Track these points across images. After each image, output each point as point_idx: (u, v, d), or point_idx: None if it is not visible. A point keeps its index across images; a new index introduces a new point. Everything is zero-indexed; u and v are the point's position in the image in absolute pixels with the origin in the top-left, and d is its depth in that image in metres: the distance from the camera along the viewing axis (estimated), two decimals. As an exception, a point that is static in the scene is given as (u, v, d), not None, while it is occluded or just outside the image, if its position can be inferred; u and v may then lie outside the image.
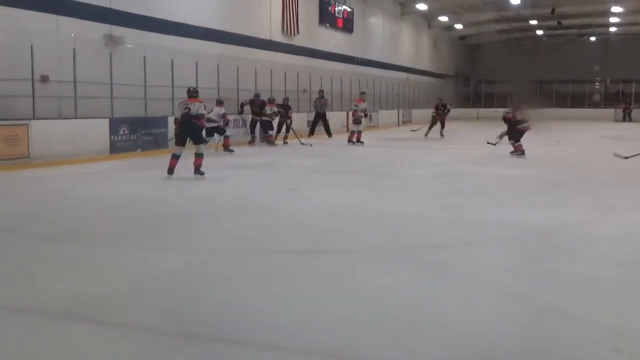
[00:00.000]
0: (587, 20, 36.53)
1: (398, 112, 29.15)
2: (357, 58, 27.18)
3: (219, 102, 14.25)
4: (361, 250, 5.33)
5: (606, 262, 4.90)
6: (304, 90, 21.45)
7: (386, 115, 27.46)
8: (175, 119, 10.15)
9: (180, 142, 9.64)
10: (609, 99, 38.53)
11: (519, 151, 13.56)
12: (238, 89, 17.34)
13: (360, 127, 17.06)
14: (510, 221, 6.49)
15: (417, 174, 10.80)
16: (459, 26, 36.49)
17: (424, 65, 36.26)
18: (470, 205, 7.59)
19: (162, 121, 13.88)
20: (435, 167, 11.74)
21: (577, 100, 39.29)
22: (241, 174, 10.68)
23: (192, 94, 9.73)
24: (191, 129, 9.52)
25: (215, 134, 14.19)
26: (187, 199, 7.99)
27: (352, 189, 8.97)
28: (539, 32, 40.82)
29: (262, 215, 6.93)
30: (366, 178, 10.20)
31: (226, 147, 14.38)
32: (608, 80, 41.61)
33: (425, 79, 35.80)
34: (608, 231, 6.07)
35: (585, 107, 38.22)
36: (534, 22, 36.70)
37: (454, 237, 5.83)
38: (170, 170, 9.55)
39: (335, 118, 21.81)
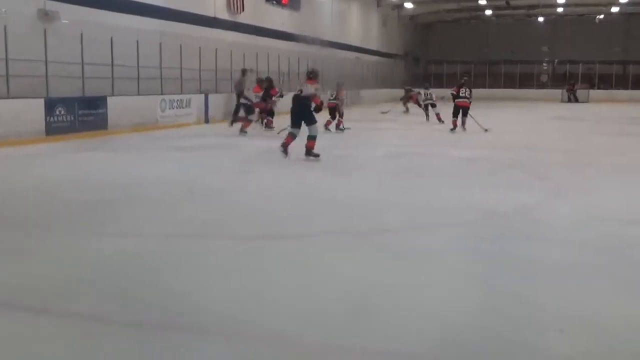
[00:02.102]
0: (535, 1, 37.33)
1: (346, 93, 29.18)
2: (306, 37, 27.08)
3: (261, 82, 14.52)
4: (316, 234, 5.35)
5: (558, 245, 5.04)
6: (250, 70, 21.26)
7: (335, 96, 27.51)
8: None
9: (295, 125, 9.83)
10: (557, 80, 39.63)
11: (454, 126, 14.66)
12: (181, 68, 17.08)
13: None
14: (465, 203, 6.62)
15: (371, 155, 10.90)
16: (408, 5, 36.69)
17: (373, 44, 36.41)
18: (425, 188, 7.71)
19: (101, 101, 13.55)
20: (388, 148, 11.86)
21: (526, 81, 40.23)
22: (190, 156, 10.57)
23: (310, 75, 10.07)
24: (302, 111, 9.70)
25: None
26: (136, 182, 7.85)
27: (306, 171, 9.00)
28: (488, 13, 41.50)
29: (213, 198, 6.89)
30: (323, 160, 10.17)
31: (243, 129, 14.27)
32: (556, 61, 42.75)
33: (375, 58, 35.97)
34: (560, 213, 6.23)
35: (533, 88, 39.19)
36: (483, 2, 37.25)
37: (410, 220, 5.92)
38: (284, 146, 9.69)
39: (286, 99, 21.67)
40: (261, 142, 12.68)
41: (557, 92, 36.18)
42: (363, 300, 3.70)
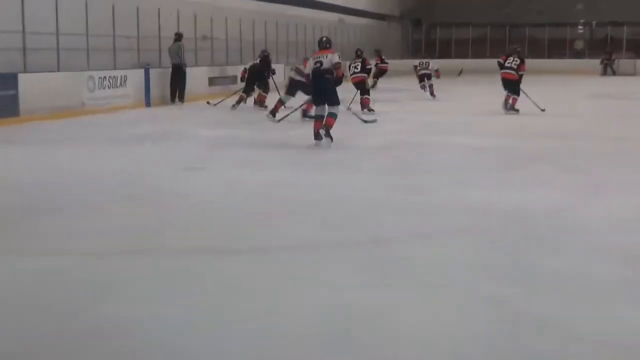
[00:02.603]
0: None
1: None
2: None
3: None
4: (287, 246, 5.39)
5: (596, 256, 5.11)
6: (204, 37, 21.25)
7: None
8: (305, 75, 11.39)
9: (319, 103, 10.56)
10: (596, 47, 39.62)
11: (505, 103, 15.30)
12: (114, 36, 16.98)
13: None
14: (477, 206, 6.69)
15: (358, 145, 10.95)
16: (406, -48, 36.92)
17: (361, 3, 36.46)
18: (427, 186, 7.76)
19: (9, 80, 13.42)
20: (381, 136, 11.90)
21: (556, 48, 40.37)
22: (127, 149, 10.59)
23: (325, 44, 10.67)
24: (324, 87, 10.42)
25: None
26: (57, 184, 7.82)
27: (273, 167, 9.01)
28: (509, -39, 41.64)
29: (156, 203, 6.90)
30: (291, 152, 10.30)
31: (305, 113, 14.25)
32: (594, 23, 42.95)
33: (363, 21, 36.00)
34: (598, 217, 6.33)
35: (566, 58, 39.30)
36: (501, -53, 37.46)
37: (407, 227, 5.98)
38: (317, 135, 10.37)
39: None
40: (214, 131, 12.69)
41: (596, 63, 36.35)
42: (344, 333, 3.74)
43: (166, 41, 18.18)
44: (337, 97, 10.62)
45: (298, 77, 14.20)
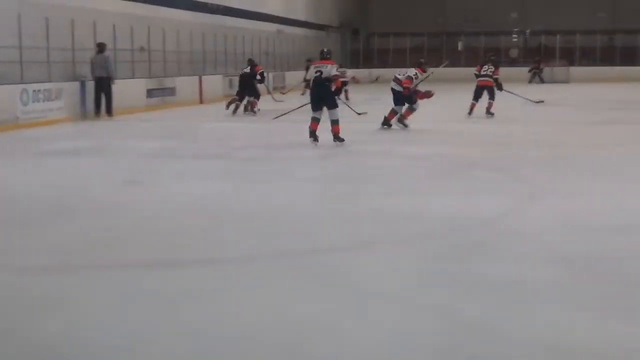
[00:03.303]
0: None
1: (268, 75, 29.20)
2: (212, 5, 26.90)
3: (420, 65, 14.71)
4: (228, 258, 5.34)
5: (538, 262, 5.16)
6: (141, 49, 21.03)
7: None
8: (305, 80, 13.20)
9: (316, 108, 11.75)
10: (530, 55, 40.36)
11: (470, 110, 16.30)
12: (48, 48, 16.68)
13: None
14: (416, 213, 6.71)
15: (296, 155, 10.94)
16: (343, -37, 37.12)
17: (300, 14, 36.55)
18: (365, 195, 7.78)
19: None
20: (319, 146, 11.90)
21: (492, 56, 40.97)
22: (62, 163, 10.40)
23: (326, 55, 12.07)
24: (323, 93, 11.59)
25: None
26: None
27: (213, 179, 8.94)
28: (444, -28, 42.22)
29: (94, 218, 6.78)
30: (230, 164, 10.22)
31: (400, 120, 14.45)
32: (528, 31, 43.82)
33: (302, 31, 36.09)
34: (537, 222, 6.41)
35: (501, 65, 39.82)
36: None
37: (346, 237, 5.95)
38: (313, 134, 11.64)
39: (187, 85, 21.64)
40: (151, 143, 12.54)
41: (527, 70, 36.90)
42: (287, 343, 3.70)
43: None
44: (335, 101, 11.82)
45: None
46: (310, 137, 11.63)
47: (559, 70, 36.18)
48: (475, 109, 16.65)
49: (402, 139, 12.80)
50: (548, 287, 4.59)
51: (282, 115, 16.09)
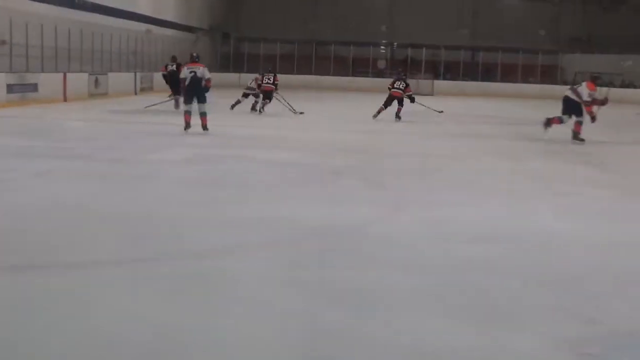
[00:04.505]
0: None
1: (135, 75, 28.71)
2: (79, 1, 26.17)
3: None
4: (89, 263, 5.22)
5: (400, 269, 5.30)
6: (2, 42, 20.23)
7: (119, 80, 26.88)
8: (181, 79, 14.62)
9: (189, 101, 14.21)
10: (397, 66, 41.28)
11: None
12: None
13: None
14: (282, 220, 6.75)
15: (163, 159, 10.80)
16: (215, -34, 36.90)
17: (169, 15, 36.08)
18: (231, 200, 7.77)
19: None
20: (187, 150, 11.81)
21: (361, 66, 41.84)
22: None
23: (195, 59, 14.60)
24: (198, 90, 14.04)
25: None
26: None
27: (74, 180, 8.73)
28: (315, -19, 42.67)
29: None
30: (94, 165, 9.98)
31: None
32: (395, 44, 44.94)
33: (171, 32, 35.65)
34: (399, 231, 6.58)
35: (368, 76, 40.75)
36: (309, -33, 38.30)
37: (211, 242, 5.94)
38: (187, 125, 14.04)
39: (50, 82, 20.97)
40: (9, 141, 12.12)
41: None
42: (154, 346, 3.68)
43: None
44: (205, 97, 14.20)
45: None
46: (186, 128, 13.92)
47: (423, 83, 37.17)
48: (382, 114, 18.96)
49: (271, 146, 12.84)
50: (408, 294, 4.72)
51: (153, 105, 17.92)
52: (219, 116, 16.85)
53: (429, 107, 19.91)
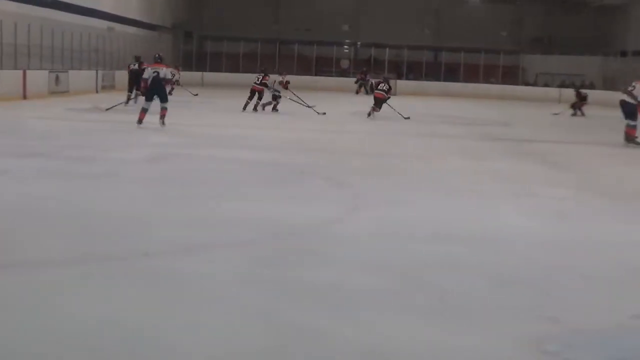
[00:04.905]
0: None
1: (97, 73, 28.43)
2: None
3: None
4: (47, 261, 5.16)
5: (361, 268, 5.32)
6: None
7: (80, 78, 26.58)
8: (143, 79, 15.09)
9: (149, 99, 14.70)
10: (360, 66, 41.44)
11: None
12: None
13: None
14: (247, 218, 6.74)
15: (126, 157, 10.71)
16: (178, -36, 36.68)
17: (132, 12, 35.77)
18: (194, 198, 7.75)
19: None
20: (150, 148, 11.73)
21: (324, 66, 41.92)
22: None
23: (158, 59, 15.32)
24: (159, 89, 14.61)
25: None
26: None
27: (35, 179, 8.62)
28: (278, -20, 42.64)
29: None
30: (54, 163, 9.87)
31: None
32: (359, 43, 45.05)
33: (134, 30, 35.36)
34: (360, 230, 6.59)
35: (332, 75, 40.83)
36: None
37: (174, 240, 5.92)
38: (140, 121, 14.51)
39: (9, 79, 20.68)
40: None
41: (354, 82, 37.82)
42: (121, 343, 3.67)
43: None
44: (167, 96, 14.91)
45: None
46: (138, 123, 14.45)
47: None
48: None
49: (233, 144, 12.81)
50: (367, 293, 4.73)
51: (115, 106, 18.13)
52: (181, 114, 16.79)
53: (399, 113, 19.98)
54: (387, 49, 41.37)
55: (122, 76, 29.46)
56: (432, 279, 5.12)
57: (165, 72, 14.79)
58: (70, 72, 25.78)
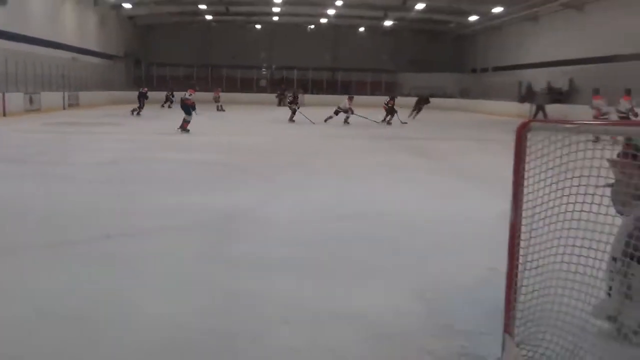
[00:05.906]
0: (253, 9, 39.02)
1: (64, 94, 27.49)
2: (12, 33, 24.67)
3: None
4: (14, 247, 4.99)
5: (276, 243, 5.31)
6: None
7: (51, 98, 25.66)
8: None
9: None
10: (275, 84, 41.75)
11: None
12: None
13: None
14: (186, 207, 6.66)
15: (88, 161, 10.35)
16: (127, 5, 35.63)
17: (91, 44, 34.68)
18: (145, 193, 7.57)
19: None
20: (110, 153, 11.39)
21: (246, 85, 41.78)
22: None
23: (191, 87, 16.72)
24: (183, 107, 15.89)
25: None
26: None
27: (7, 180, 8.34)
28: (209, 17, 42.16)
29: None
30: (25, 167, 9.59)
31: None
32: (273, 66, 45.06)
33: (94, 59, 34.33)
34: (280, 213, 6.57)
35: (253, 92, 40.84)
36: (203, 6, 37.70)
37: (128, 227, 5.78)
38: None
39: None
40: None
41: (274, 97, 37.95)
42: (87, 313, 3.59)
43: None
44: (190, 112, 15.69)
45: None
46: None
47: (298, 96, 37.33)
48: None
49: (187, 148, 12.58)
50: (283, 262, 4.74)
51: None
52: (144, 124, 16.42)
53: (373, 120, 21.21)
54: (296, 70, 41.54)
55: (85, 97, 28.69)
56: (342, 250, 5.12)
57: (184, 94, 15.98)
58: (42, 93, 24.86)
